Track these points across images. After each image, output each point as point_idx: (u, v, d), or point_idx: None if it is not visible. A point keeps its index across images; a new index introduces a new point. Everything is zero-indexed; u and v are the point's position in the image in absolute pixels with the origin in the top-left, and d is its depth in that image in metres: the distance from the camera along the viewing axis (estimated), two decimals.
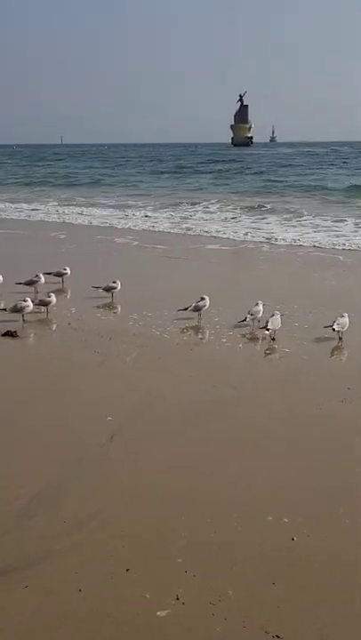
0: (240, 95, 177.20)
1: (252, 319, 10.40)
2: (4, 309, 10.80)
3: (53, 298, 11.40)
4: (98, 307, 12.11)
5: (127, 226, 25.16)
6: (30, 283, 12.84)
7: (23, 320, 10.91)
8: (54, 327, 10.90)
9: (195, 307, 10.89)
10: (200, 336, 10.28)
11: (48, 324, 11.08)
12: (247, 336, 10.15)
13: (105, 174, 57.56)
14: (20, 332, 10.26)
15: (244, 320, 10.41)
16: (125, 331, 10.39)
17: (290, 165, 68.44)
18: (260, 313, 10.44)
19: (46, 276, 13.23)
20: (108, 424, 6.85)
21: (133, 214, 28.69)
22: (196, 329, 10.60)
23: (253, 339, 10.01)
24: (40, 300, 11.40)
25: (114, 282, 12.55)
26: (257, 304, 10.55)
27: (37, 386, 8.12)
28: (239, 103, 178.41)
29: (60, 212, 30.74)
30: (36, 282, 12.85)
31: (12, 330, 10.20)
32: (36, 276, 12.85)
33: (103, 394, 7.80)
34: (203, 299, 11.05)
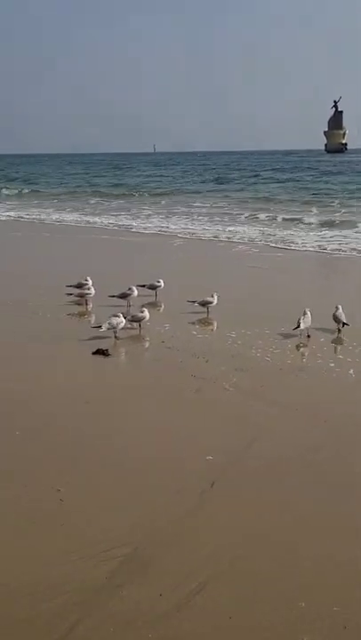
0: (335, 101, 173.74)
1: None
2: (99, 326, 10.22)
3: (146, 313, 10.76)
4: (193, 323, 11.39)
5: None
6: (123, 296, 12.29)
7: (115, 337, 10.32)
8: (147, 345, 10.24)
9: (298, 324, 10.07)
10: (305, 359, 9.31)
11: (141, 341, 10.44)
12: (358, 359, 9.11)
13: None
14: (111, 350, 9.66)
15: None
16: (223, 351, 9.58)
17: None
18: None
19: (139, 288, 12.67)
20: (207, 465, 6.03)
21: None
22: (301, 350, 9.65)
23: None
24: (133, 316, 10.78)
25: (211, 296, 11.81)
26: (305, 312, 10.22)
27: (129, 413, 7.43)
28: (333, 109, 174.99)
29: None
30: (129, 295, 12.29)
31: (104, 348, 9.61)
32: (130, 288, 12.29)
33: (201, 426, 7.01)
34: (305, 314, 10.21)
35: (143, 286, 13.08)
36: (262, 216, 30.45)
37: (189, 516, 5.17)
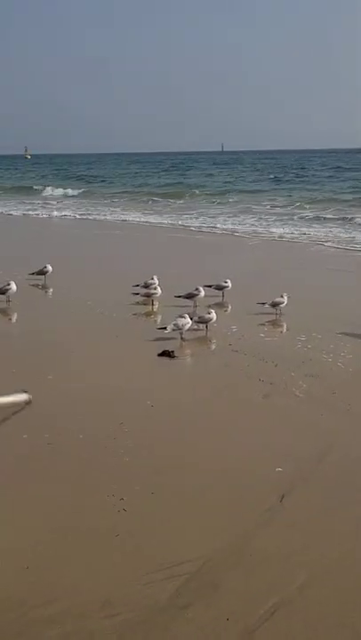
0: None
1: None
2: (164, 328, 10.04)
3: (213, 314, 10.49)
4: (261, 324, 11.05)
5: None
6: (190, 296, 12.08)
7: (181, 338, 10.10)
8: (213, 347, 9.98)
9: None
10: None
11: (207, 343, 10.18)
12: None
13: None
14: (177, 352, 9.43)
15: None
16: (293, 355, 9.21)
17: None
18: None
19: (206, 288, 12.43)
20: (276, 477, 5.71)
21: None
22: None
23: None
24: (199, 317, 10.53)
25: (281, 296, 11.47)
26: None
27: (194, 419, 7.17)
28: None
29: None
30: (196, 295, 12.06)
31: (170, 350, 9.40)
32: (196, 289, 12.06)
33: (270, 435, 6.68)
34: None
35: (210, 286, 12.82)
36: (331, 216, 29.67)
37: (257, 534, 4.85)
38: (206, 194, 44.97)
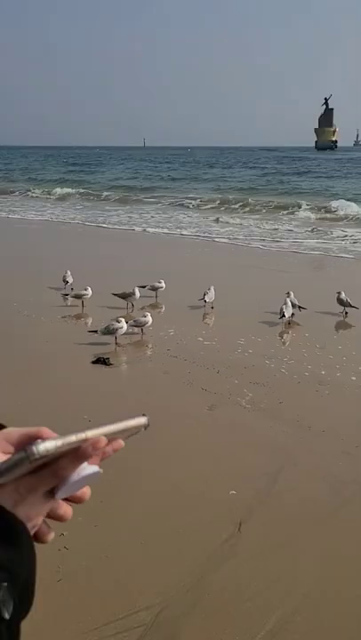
0: (325, 98, 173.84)
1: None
2: (95, 331, 9.45)
3: (149, 317, 9.96)
4: (198, 327, 10.62)
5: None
6: (124, 296, 11.55)
7: (116, 344, 9.52)
8: (150, 353, 9.44)
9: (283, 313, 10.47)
10: (323, 372, 8.53)
11: (144, 348, 9.64)
12: None
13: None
14: (113, 359, 8.85)
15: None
16: (234, 361, 8.81)
17: None
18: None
19: (140, 289, 11.91)
20: (231, 502, 5.26)
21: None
22: (318, 362, 8.87)
23: None
24: (135, 320, 9.99)
25: (205, 292, 11.63)
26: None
27: (136, 437, 6.62)
28: (324, 106, 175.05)
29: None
30: (131, 295, 11.54)
31: (105, 356, 8.81)
32: (132, 290, 11.55)
33: (219, 452, 6.23)
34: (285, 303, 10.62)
35: (144, 287, 12.31)
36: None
37: (218, 570, 4.38)
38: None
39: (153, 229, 24.67)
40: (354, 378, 8.25)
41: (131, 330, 9.82)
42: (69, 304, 11.97)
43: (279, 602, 4.07)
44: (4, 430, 0.95)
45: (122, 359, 9.10)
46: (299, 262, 17.84)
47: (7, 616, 0.75)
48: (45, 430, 0.93)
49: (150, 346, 9.68)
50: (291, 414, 7.10)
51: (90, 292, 11.67)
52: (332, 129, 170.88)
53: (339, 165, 72.61)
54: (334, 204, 30.10)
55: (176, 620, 3.91)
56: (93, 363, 8.70)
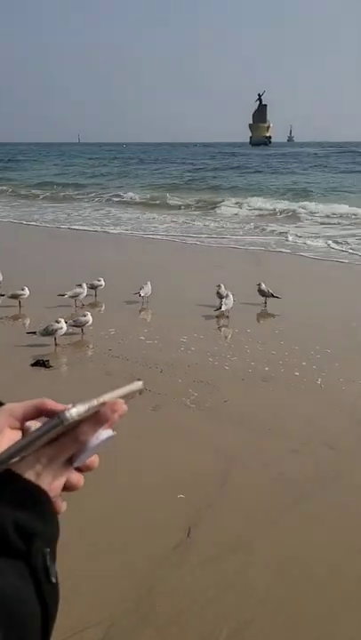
0: (259, 94, 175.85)
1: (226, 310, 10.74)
2: (34, 332, 9.15)
3: (89, 317, 9.72)
4: (139, 325, 10.46)
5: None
6: (74, 295, 11.38)
7: (56, 344, 9.24)
8: (92, 354, 9.20)
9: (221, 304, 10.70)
10: (267, 368, 8.49)
11: (85, 349, 9.39)
12: (325, 367, 8.39)
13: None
14: (52, 361, 8.58)
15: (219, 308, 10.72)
16: (178, 360, 8.68)
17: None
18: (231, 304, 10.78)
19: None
20: (180, 506, 5.12)
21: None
22: (261, 357, 8.82)
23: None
24: (74, 320, 9.72)
25: (142, 287, 11.60)
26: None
27: None
28: (258, 102, 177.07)
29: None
30: (79, 294, 11.49)
31: (44, 358, 8.52)
32: (79, 285, 11.41)
33: (166, 455, 6.08)
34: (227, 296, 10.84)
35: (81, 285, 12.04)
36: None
37: (168, 579, 4.24)
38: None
39: (87, 227, 24.29)
40: (297, 373, 8.26)
41: (71, 330, 9.57)
42: (3, 304, 11.54)
43: (234, 609, 3.96)
44: (5, 407, 0.96)
45: (62, 361, 8.83)
46: (236, 258, 17.87)
47: (54, 580, 0.81)
48: (49, 401, 0.95)
49: (91, 346, 9.44)
50: (236, 413, 7.03)
51: (27, 291, 11.32)
52: (266, 125, 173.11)
53: (262, 161, 73.70)
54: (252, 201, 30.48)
55: (128, 635, 3.75)
56: (32, 365, 8.40)
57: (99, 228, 23.91)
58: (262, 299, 11.58)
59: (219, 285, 11.29)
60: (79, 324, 9.64)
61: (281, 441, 6.36)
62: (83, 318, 9.68)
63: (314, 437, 6.44)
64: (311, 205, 28.52)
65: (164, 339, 9.68)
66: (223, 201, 30.82)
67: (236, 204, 30.01)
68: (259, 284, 11.51)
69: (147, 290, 11.54)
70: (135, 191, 37.42)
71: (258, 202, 30.22)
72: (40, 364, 8.38)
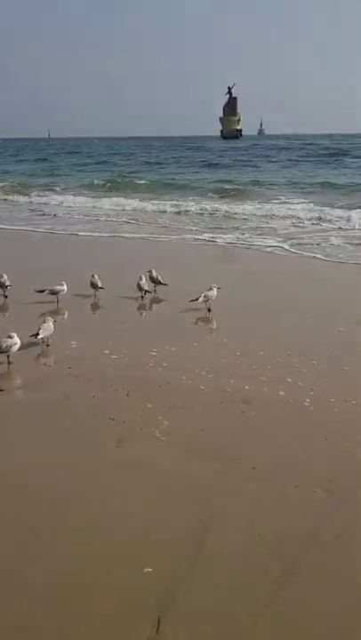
0: (229, 87, 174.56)
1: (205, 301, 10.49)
2: None
3: (51, 324, 8.72)
4: (104, 336, 9.31)
5: None
6: (54, 292, 11.10)
7: (9, 363, 8.13)
8: (49, 372, 8.05)
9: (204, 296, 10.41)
10: (248, 387, 7.45)
11: (41, 368, 8.22)
12: (313, 384, 7.42)
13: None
14: (3, 382, 7.47)
15: (197, 300, 10.41)
16: (146, 378, 7.64)
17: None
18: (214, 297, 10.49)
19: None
20: (146, 584, 4.09)
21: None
22: (241, 374, 7.80)
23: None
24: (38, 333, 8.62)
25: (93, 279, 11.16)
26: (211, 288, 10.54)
27: (28, 483, 5.34)
28: (228, 95, 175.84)
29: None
30: (59, 292, 11.14)
31: None
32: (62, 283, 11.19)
33: (130, 510, 5.00)
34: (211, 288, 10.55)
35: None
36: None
37: None
38: None
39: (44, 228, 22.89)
40: (282, 393, 7.27)
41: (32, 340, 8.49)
42: None
43: None
44: None
45: (15, 383, 7.72)
46: (205, 255, 16.89)
47: None
48: None
49: (49, 363, 8.34)
50: (214, 446, 6.01)
51: None
52: (237, 117, 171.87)
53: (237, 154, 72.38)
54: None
55: None
56: None
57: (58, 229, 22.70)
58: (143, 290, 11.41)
59: (150, 271, 11.66)
60: (3, 350, 8.06)
61: (268, 483, 5.35)
62: (44, 327, 8.60)
63: (311, 480, 5.44)
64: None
65: (133, 352, 8.61)
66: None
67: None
68: (150, 272, 11.69)
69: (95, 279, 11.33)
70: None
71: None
72: None
